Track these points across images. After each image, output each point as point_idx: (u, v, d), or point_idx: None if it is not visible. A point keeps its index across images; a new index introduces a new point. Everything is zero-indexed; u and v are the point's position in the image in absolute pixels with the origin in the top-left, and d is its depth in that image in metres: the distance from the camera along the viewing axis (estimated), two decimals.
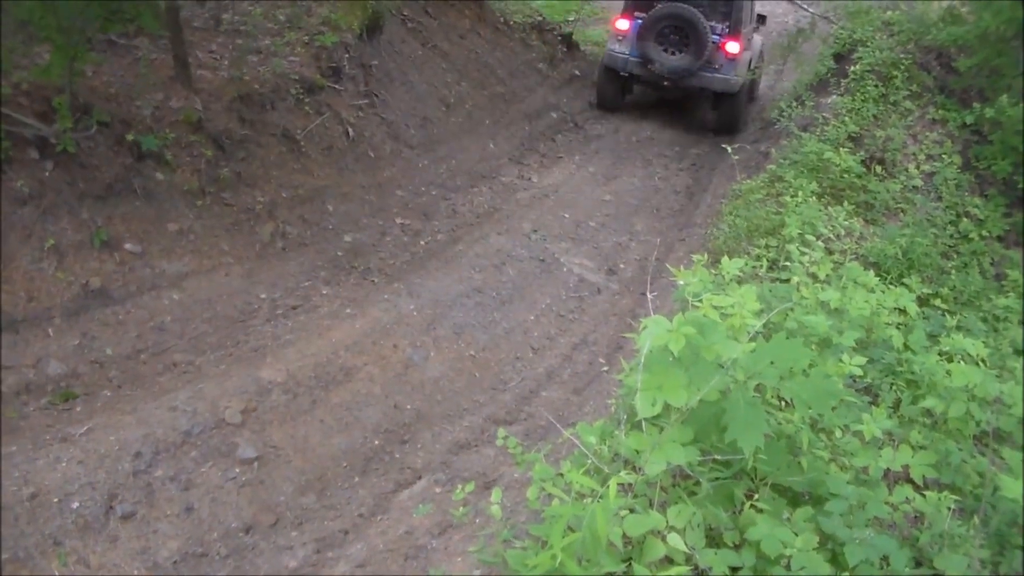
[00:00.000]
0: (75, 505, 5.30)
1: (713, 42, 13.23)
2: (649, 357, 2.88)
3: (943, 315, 6.30)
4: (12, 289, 6.76)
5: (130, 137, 8.15)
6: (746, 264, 5.33)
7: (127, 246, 7.67)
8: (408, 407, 6.82)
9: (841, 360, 4.00)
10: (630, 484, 2.88)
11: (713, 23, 13.33)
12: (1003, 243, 9.15)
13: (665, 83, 13.79)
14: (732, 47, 13.43)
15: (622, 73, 14.08)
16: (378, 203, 9.91)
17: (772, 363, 2.96)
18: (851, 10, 12.96)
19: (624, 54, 13.79)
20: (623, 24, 13.83)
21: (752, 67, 14.74)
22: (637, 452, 2.85)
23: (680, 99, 14.67)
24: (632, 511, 2.76)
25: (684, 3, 13.19)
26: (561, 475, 3.57)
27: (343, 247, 8.94)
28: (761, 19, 15.85)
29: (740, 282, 5.09)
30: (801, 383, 3.12)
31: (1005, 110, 9.28)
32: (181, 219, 8.24)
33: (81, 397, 6.33)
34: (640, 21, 13.49)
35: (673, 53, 13.37)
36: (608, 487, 2.63)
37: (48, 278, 7.01)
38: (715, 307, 3.47)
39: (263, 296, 7.89)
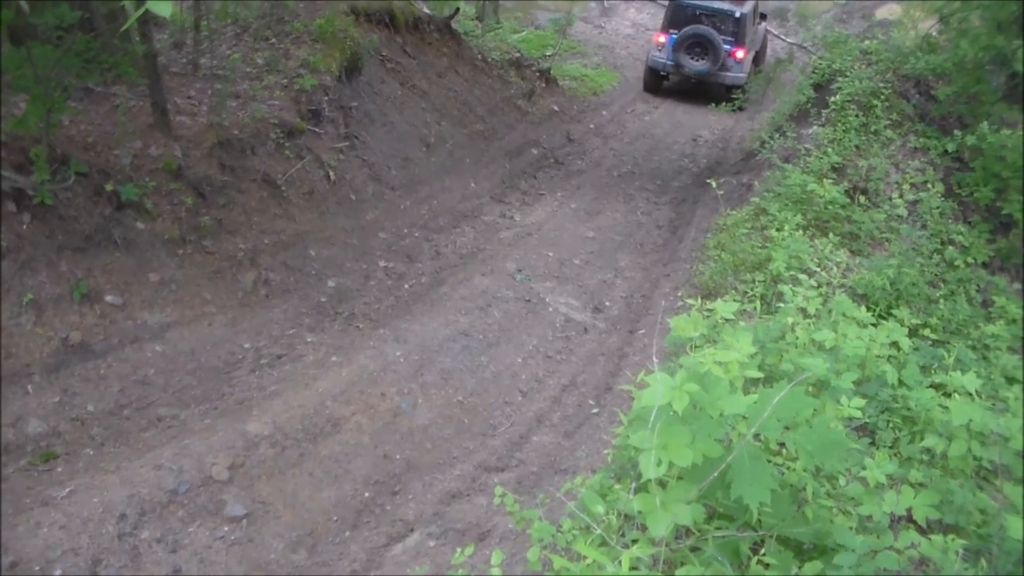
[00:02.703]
0: (57, 573, 5.14)
1: (726, 51, 18.67)
2: (648, 412, 2.82)
3: (933, 346, 6.28)
4: None
5: (109, 187, 8.06)
6: (739, 306, 5.27)
7: (108, 298, 7.55)
8: (398, 456, 6.70)
9: (840, 403, 3.96)
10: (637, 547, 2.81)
11: (725, 36, 18.70)
12: (988, 269, 9.17)
13: (692, 80, 19.56)
14: (739, 54, 18.93)
15: (661, 72, 19.84)
16: (361, 246, 9.83)
17: (777, 419, 2.91)
18: (829, 40, 13.05)
19: (663, 59, 19.39)
20: (662, 39, 19.38)
21: (757, 51, 20.59)
22: (641, 512, 2.79)
23: (701, 88, 19.62)
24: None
25: (704, 26, 18.71)
26: (560, 532, 3.49)
27: (327, 293, 8.85)
28: (763, 16, 21.84)
29: (732, 323, 5.04)
30: (805, 434, 3.08)
31: (985, 137, 9.32)
32: (162, 269, 8.14)
33: (62, 457, 6.18)
34: (674, 36, 19.01)
35: (697, 60, 18.96)
36: (621, 562, 2.55)
37: (27, 334, 6.88)
38: (717, 362, 3.40)
39: (247, 345, 7.78)
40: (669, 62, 19.29)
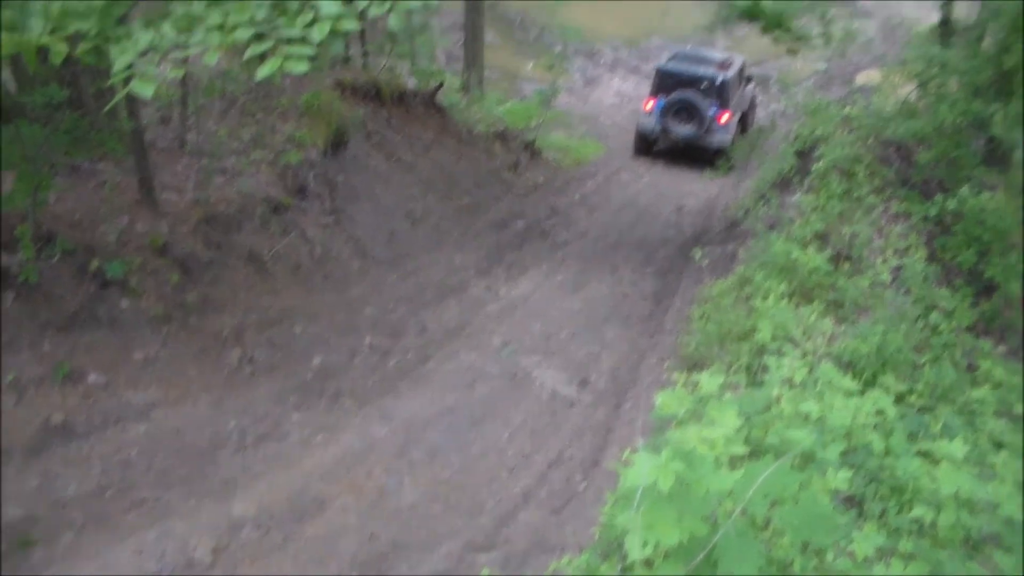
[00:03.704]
0: None
1: (711, 115, 19.19)
2: (633, 491, 2.81)
3: (920, 412, 6.27)
4: None
5: (94, 264, 8.06)
6: (724, 379, 5.26)
7: (91, 378, 7.50)
8: (384, 537, 6.60)
9: (827, 475, 3.94)
10: None
11: (710, 101, 19.23)
12: (973, 333, 9.16)
13: (679, 144, 19.76)
14: (724, 118, 19.43)
15: (650, 137, 20.24)
16: (347, 322, 9.81)
17: (763, 495, 2.89)
18: (811, 107, 13.23)
19: (651, 124, 19.97)
20: (650, 105, 19.92)
21: (744, 112, 21.34)
22: None
23: (689, 151, 19.92)
24: None
25: (690, 92, 19.19)
26: None
27: (312, 370, 8.80)
28: (750, 79, 22.29)
29: (718, 396, 5.03)
30: (792, 510, 3.06)
31: (966, 201, 9.41)
32: (147, 347, 8.10)
33: (41, 543, 6.06)
34: (661, 103, 19.54)
35: (683, 124, 19.40)
36: None
37: (8, 415, 6.81)
38: (702, 439, 3.39)
39: (232, 425, 7.70)
40: (657, 127, 19.86)
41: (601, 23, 27.50)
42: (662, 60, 21.41)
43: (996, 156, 10.72)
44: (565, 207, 15.87)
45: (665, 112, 19.49)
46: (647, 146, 20.65)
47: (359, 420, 7.87)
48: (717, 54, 22.30)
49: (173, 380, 7.98)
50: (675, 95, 19.38)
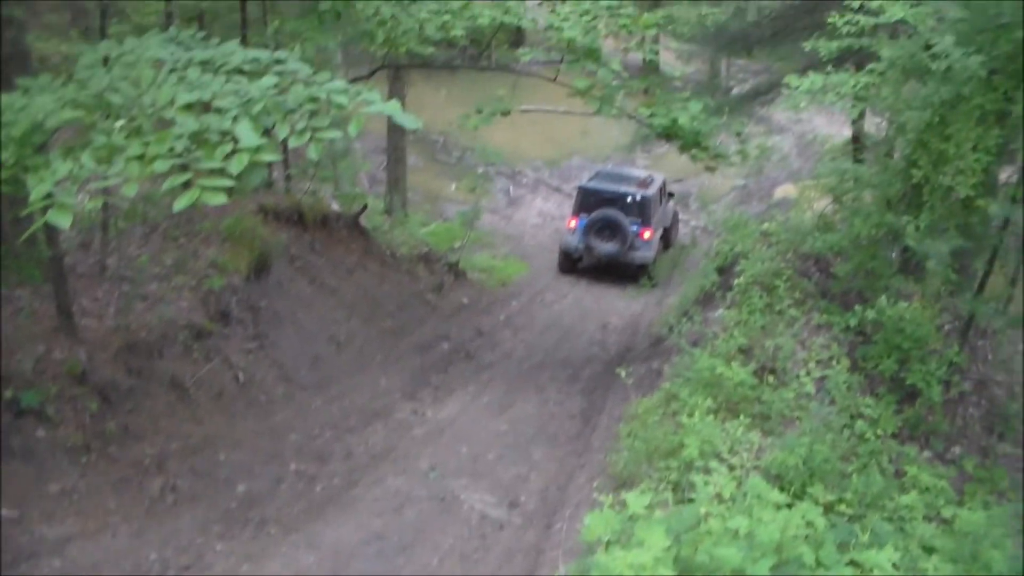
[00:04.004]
0: None
1: (633, 232, 19.49)
2: None
3: (849, 521, 6.33)
4: None
5: (8, 394, 7.89)
6: (652, 497, 5.29)
7: (2, 512, 7.26)
8: None
9: None
10: None
11: (632, 218, 19.56)
12: (898, 439, 9.32)
13: (603, 261, 19.84)
14: (646, 234, 19.81)
15: (574, 255, 20.39)
16: (271, 449, 9.66)
17: None
18: (730, 223, 13.55)
19: (575, 242, 20.13)
20: (573, 223, 20.24)
21: (667, 227, 21.89)
22: None
23: (612, 267, 20.07)
24: None
25: (612, 210, 19.57)
26: None
27: (237, 498, 8.61)
28: (671, 195, 22.70)
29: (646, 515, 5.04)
30: None
31: (884, 310, 9.66)
32: (63, 478, 7.88)
33: None
34: (584, 221, 19.82)
35: (606, 242, 19.59)
36: None
37: None
38: (629, 565, 3.40)
39: (153, 557, 7.47)
40: (580, 245, 20.06)
41: (522, 145, 28.00)
42: (584, 179, 21.92)
43: (911, 266, 11.10)
44: (490, 328, 15.94)
45: (588, 230, 19.74)
46: (571, 264, 20.85)
47: (285, 548, 7.70)
48: (638, 172, 22.93)
49: (91, 512, 7.76)
50: (597, 213, 19.68)
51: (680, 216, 24.41)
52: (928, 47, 9.23)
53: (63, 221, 4.57)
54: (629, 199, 19.98)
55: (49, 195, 4.58)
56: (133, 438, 8.68)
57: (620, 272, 20.01)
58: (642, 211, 19.90)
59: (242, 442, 9.55)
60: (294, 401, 10.92)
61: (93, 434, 8.35)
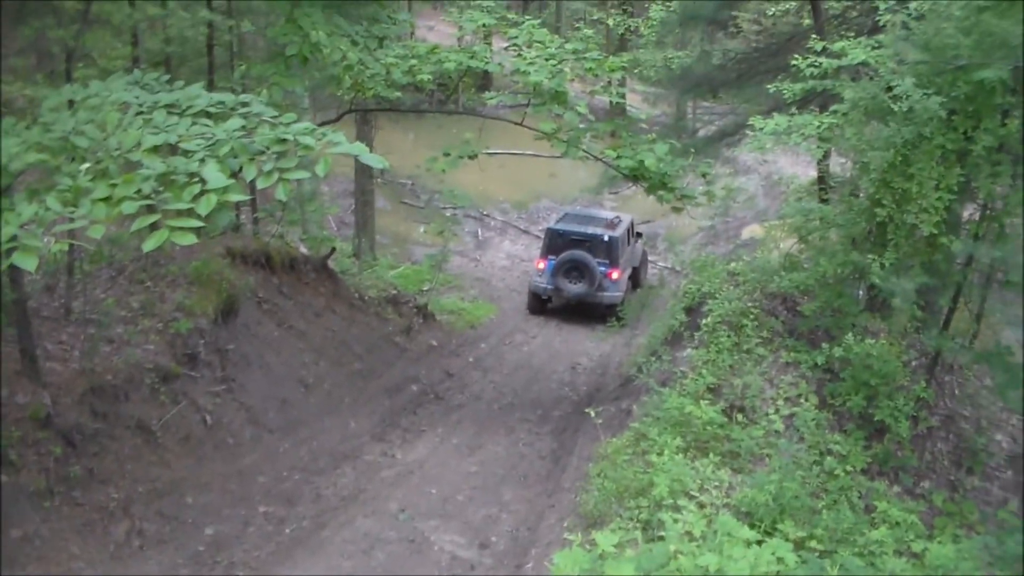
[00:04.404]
0: None
1: (601, 272, 19.66)
2: None
3: (820, 556, 6.35)
4: None
5: None
6: (622, 535, 5.30)
7: None
8: None
9: None
10: None
11: (600, 259, 19.73)
12: (867, 475, 9.38)
13: (571, 302, 20.07)
14: (614, 275, 19.96)
15: (543, 296, 20.55)
16: (240, 492, 9.57)
17: None
18: (698, 264, 13.65)
19: (543, 284, 20.31)
20: (541, 265, 20.43)
21: (636, 267, 22.04)
22: None
23: (581, 308, 20.18)
24: None
25: (580, 251, 19.72)
26: None
27: (205, 541, 8.52)
28: (639, 235, 22.90)
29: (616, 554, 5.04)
30: None
31: (851, 348, 9.77)
32: (25, 524, 7.77)
33: None
34: (552, 262, 20.01)
35: (575, 283, 19.81)
36: None
37: None
38: None
39: None
40: (549, 286, 20.20)
41: (490, 187, 28.09)
42: (552, 221, 22.13)
43: (877, 303, 11.22)
44: (460, 369, 15.92)
45: (556, 271, 19.90)
46: (540, 305, 21.01)
47: None
48: (605, 213, 23.26)
49: (54, 558, 7.65)
50: (566, 254, 19.83)
51: (648, 256, 24.53)
52: (889, 88, 9.44)
53: (29, 264, 4.55)
54: (597, 240, 20.13)
55: (14, 237, 4.55)
56: (98, 482, 8.58)
57: (589, 313, 20.13)
58: (609, 252, 20.08)
59: (210, 485, 9.47)
60: (262, 444, 10.84)
61: (57, 478, 8.24)
